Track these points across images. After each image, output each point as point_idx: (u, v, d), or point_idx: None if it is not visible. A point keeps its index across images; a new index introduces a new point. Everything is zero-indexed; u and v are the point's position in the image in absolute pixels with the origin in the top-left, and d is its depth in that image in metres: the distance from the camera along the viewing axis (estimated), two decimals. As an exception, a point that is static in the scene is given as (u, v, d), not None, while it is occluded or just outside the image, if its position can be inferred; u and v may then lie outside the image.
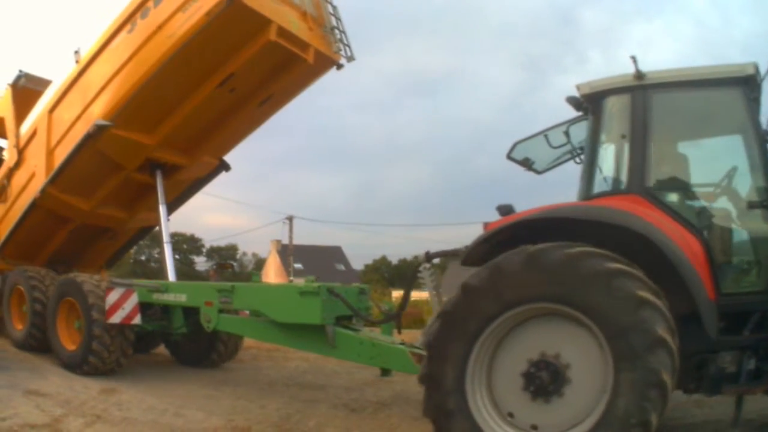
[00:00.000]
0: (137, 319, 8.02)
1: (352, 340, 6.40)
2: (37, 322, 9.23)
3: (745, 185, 4.72)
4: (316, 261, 61.32)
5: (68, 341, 8.56)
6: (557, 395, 4.04)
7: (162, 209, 9.62)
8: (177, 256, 43.09)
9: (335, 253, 68.79)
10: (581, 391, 4.00)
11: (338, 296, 6.52)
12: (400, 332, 6.88)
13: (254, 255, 76.06)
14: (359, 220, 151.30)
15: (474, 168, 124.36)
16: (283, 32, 7.87)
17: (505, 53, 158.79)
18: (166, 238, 9.71)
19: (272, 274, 60.87)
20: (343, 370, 9.68)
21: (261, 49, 7.95)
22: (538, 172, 6.13)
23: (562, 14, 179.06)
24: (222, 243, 67.51)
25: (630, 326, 3.75)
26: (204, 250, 56.89)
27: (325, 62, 8.83)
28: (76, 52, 9.29)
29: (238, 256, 70.88)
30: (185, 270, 50.66)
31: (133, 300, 8.01)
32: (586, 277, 3.92)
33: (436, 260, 6.33)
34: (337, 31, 8.80)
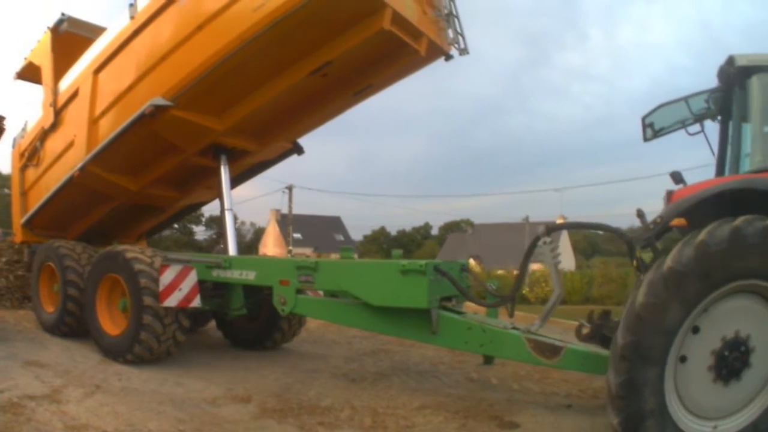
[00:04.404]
0: (196, 302, 6.90)
1: (459, 325, 5.59)
2: (71, 307, 8.15)
3: None
4: (316, 231, 61.43)
5: (109, 325, 7.45)
6: (740, 376, 4.13)
7: (224, 170, 8.10)
8: (176, 226, 42.83)
9: (334, 224, 68.86)
10: (760, 371, 4.14)
11: (445, 275, 5.71)
12: (512, 315, 5.90)
13: (252, 224, 75.77)
14: (359, 191, 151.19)
15: (473, 142, 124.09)
16: (397, 18, 6.38)
17: (505, 29, 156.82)
18: (228, 204, 8.10)
19: (271, 243, 61.07)
20: (343, 339, 9.68)
21: (370, 37, 6.48)
22: (646, 139, 5.95)
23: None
24: (221, 212, 67.18)
25: None
26: (203, 219, 56.59)
27: (436, 52, 7.37)
28: (132, 5, 7.58)
29: (237, 226, 70.62)
30: (184, 240, 50.54)
31: (192, 279, 6.90)
32: None
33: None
34: (454, 19, 7.40)
